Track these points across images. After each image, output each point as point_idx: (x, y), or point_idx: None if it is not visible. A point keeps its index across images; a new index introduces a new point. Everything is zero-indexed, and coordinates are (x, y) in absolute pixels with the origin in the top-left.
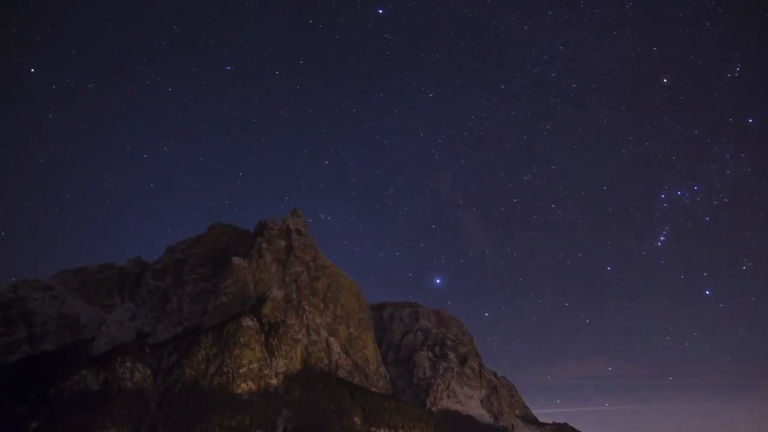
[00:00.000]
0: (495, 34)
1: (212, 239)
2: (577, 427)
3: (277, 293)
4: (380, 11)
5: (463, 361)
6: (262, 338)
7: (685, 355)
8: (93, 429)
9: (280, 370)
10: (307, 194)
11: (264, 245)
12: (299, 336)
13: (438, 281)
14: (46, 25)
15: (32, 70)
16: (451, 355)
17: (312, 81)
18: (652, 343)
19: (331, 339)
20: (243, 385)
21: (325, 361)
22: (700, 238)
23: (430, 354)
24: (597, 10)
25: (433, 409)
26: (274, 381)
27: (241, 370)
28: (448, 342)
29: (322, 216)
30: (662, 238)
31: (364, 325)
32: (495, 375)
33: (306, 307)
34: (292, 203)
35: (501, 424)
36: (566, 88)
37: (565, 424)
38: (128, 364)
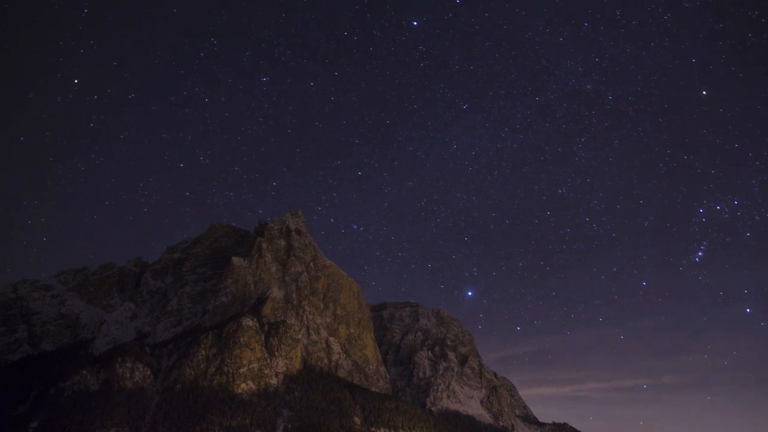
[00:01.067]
0: (530, 46)
1: (212, 239)
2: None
3: (277, 293)
4: (415, 23)
5: (463, 361)
6: (262, 338)
7: (723, 374)
8: (93, 429)
9: (280, 370)
10: (340, 205)
11: (264, 245)
12: (299, 336)
13: (470, 294)
14: (90, 39)
15: (76, 81)
16: (451, 355)
17: (346, 92)
18: (689, 362)
19: (331, 339)
20: (243, 385)
21: (325, 361)
22: (741, 254)
23: (430, 354)
24: (634, 22)
25: (433, 409)
26: (274, 381)
27: (241, 370)
28: (448, 342)
29: (355, 227)
30: (700, 254)
31: (364, 325)
32: (495, 375)
33: (306, 307)
34: (325, 214)
35: (501, 424)
36: (602, 100)
37: (565, 424)
38: (128, 364)
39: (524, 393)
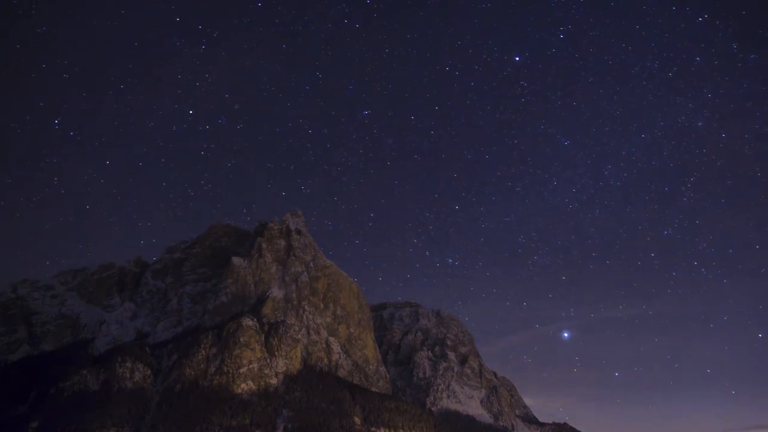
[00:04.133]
0: (636, 81)
1: (212, 239)
2: None
3: (277, 293)
4: (517, 58)
5: (463, 361)
6: (262, 338)
7: None
8: (93, 429)
9: (280, 370)
10: (436, 239)
11: (264, 245)
12: (299, 336)
13: (566, 335)
14: (205, 72)
15: (190, 112)
16: (451, 355)
17: (446, 126)
18: None
19: (331, 339)
20: (243, 385)
21: (325, 361)
22: None
23: (430, 354)
24: (752, 55)
25: (433, 409)
26: (274, 381)
27: (241, 370)
28: (448, 342)
29: (450, 260)
30: None
31: (364, 325)
32: (495, 375)
33: (306, 307)
34: (421, 247)
35: (501, 424)
36: (715, 138)
37: (565, 424)
38: (128, 364)
39: None
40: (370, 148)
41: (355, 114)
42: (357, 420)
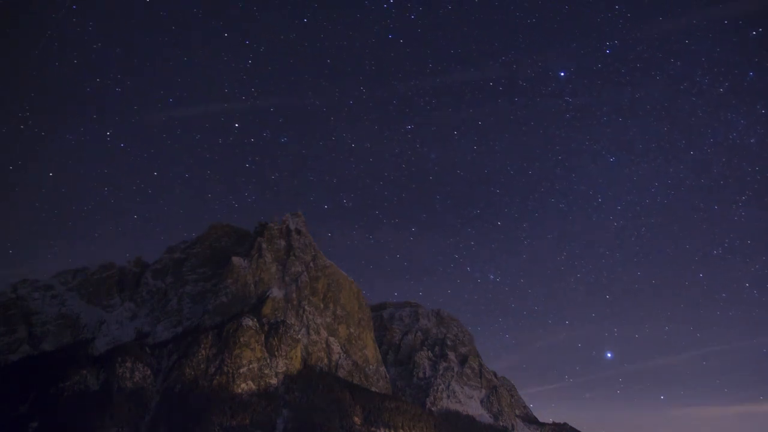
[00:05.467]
0: (686, 96)
1: (212, 239)
2: None
3: (277, 293)
4: (562, 74)
5: (463, 361)
6: (262, 338)
7: None
8: (93, 429)
9: (280, 370)
10: (477, 254)
11: (264, 245)
12: (299, 336)
13: (609, 355)
14: (251, 87)
15: (236, 125)
16: (451, 355)
17: (489, 141)
18: None
19: (331, 339)
20: (243, 385)
21: (325, 361)
22: None
23: (430, 354)
24: None
25: (433, 409)
26: (274, 381)
27: (241, 370)
28: (448, 342)
29: (492, 277)
30: None
31: (364, 325)
32: (495, 375)
33: (306, 307)
34: (462, 262)
35: (501, 424)
36: None
37: (565, 424)
38: (128, 364)
39: None
40: (412, 162)
41: (399, 128)
42: (357, 420)
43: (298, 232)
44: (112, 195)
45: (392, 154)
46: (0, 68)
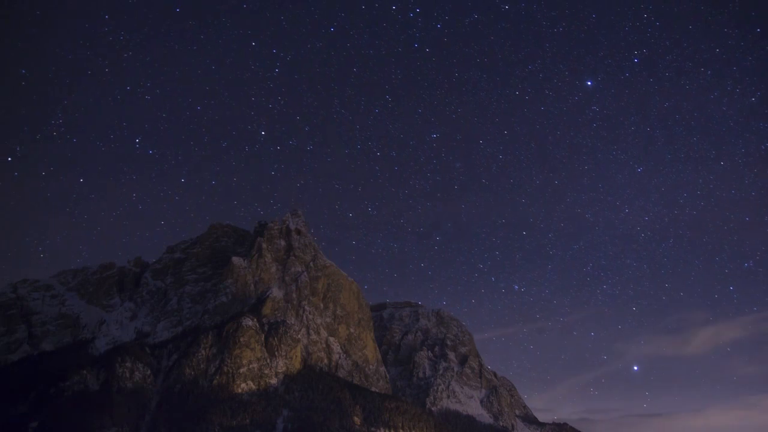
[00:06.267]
0: (716, 106)
1: (212, 239)
2: None
3: (277, 293)
4: (589, 83)
5: (463, 361)
6: (262, 338)
7: None
8: (93, 429)
9: (280, 370)
10: (501, 264)
11: (264, 245)
12: (299, 336)
13: (636, 368)
14: (278, 95)
15: (263, 133)
16: (451, 355)
17: (515, 151)
18: None
19: (331, 339)
20: (243, 385)
21: (325, 361)
22: None
23: (430, 354)
24: None
25: (433, 409)
26: (274, 381)
27: (241, 370)
28: (448, 342)
29: (516, 287)
30: None
31: (364, 325)
32: (495, 375)
33: (306, 307)
34: (486, 272)
35: (501, 424)
36: None
37: (565, 424)
38: (128, 364)
39: None
40: (438, 171)
41: (424, 137)
42: (357, 420)
43: (298, 232)
44: (139, 201)
45: (417, 163)
46: (34, 77)
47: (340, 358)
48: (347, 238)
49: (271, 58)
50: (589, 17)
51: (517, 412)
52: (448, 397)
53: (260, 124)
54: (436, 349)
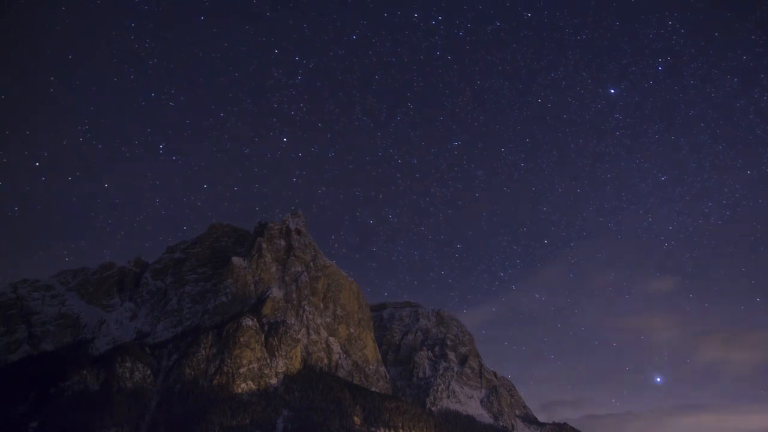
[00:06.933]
0: (742, 114)
1: (212, 239)
2: None
3: (277, 293)
4: (612, 91)
5: (463, 361)
6: (262, 338)
7: None
8: (93, 429)
9: (280, 370)
10: (523, 272)
11: (264, 245)
12: (299, 336)
13: (658, 380)
14: (300, 102)
15: (285, 139)
16: (451, 355)
17: (536, 159)
18: None
19: (331, 339)
20: (243, 385)
21: (325, 361)
22: None
23: (430, 354)
24: None
25: (433, 409)
26: (274, 381)
27: (241, 370)
28: (448, 342)
29: (537, 296)
30: None
31: (364, 325)
32: (495, 375)
33: (306, 307)
34: (507, 280)
35: (501, 424)
36: None
37: (565, 424)
38: (128, 364)
39: None
40: (459, 178)
41: (445, 145)
42: (357, 420)
43: (298, 232)
44: (162, 206)
45: (438, 171)
46: (62, 84)
47: (340, 358)
48: (368, 246)
49: (293, 65)
50: (612, 24)
51: (517, 412)
52: (448, 397)
53: (282, 131)
54: (436, 349)
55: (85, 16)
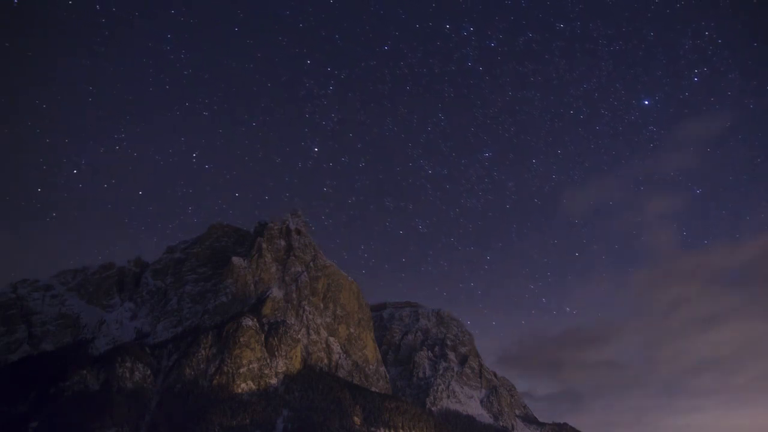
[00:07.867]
0: None
1: (212, 239)
2: None
3: (277, 293)
4: (646, 102)
5: (463, 361)
6: (262, 338)
7: None
8: (93, 429)
9: (280, 370)
10: (554, 285)
11: (264, 245)
12: (299, 336)
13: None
14: (332, 113)
15: (316, 149)
16: (451, 355)
17: (568, 171)
18: None
19: (331, 339)
20: (243, 385)
21: (325, 361)
22: None
23: (430, 354)
24: None
25: (433, 409)
26: (274, 381)
27: (241, 370)
28: (448, 342)
29: (568, 309)
30: None
31: (364, 325)
32: (495, 375)
33: (306, 307)
34: (537, 293)
35: (501, 424)
36: None
37: (565, 424)
38: (128, 364)
39: None
40: (489, 190)
41: (476, 156)
42: (357, 420)
43: (298, 232)
44: (194, 214)
45: (469, 182)
46: (100, 94)
47: (340, 358)
48: (397, 256)
49: (325, 75)
50: (647, 35)
51: (517, 412)
52: (448, 397)
53: (314, 141)
54: (436, 349)
55: (124, 27)
